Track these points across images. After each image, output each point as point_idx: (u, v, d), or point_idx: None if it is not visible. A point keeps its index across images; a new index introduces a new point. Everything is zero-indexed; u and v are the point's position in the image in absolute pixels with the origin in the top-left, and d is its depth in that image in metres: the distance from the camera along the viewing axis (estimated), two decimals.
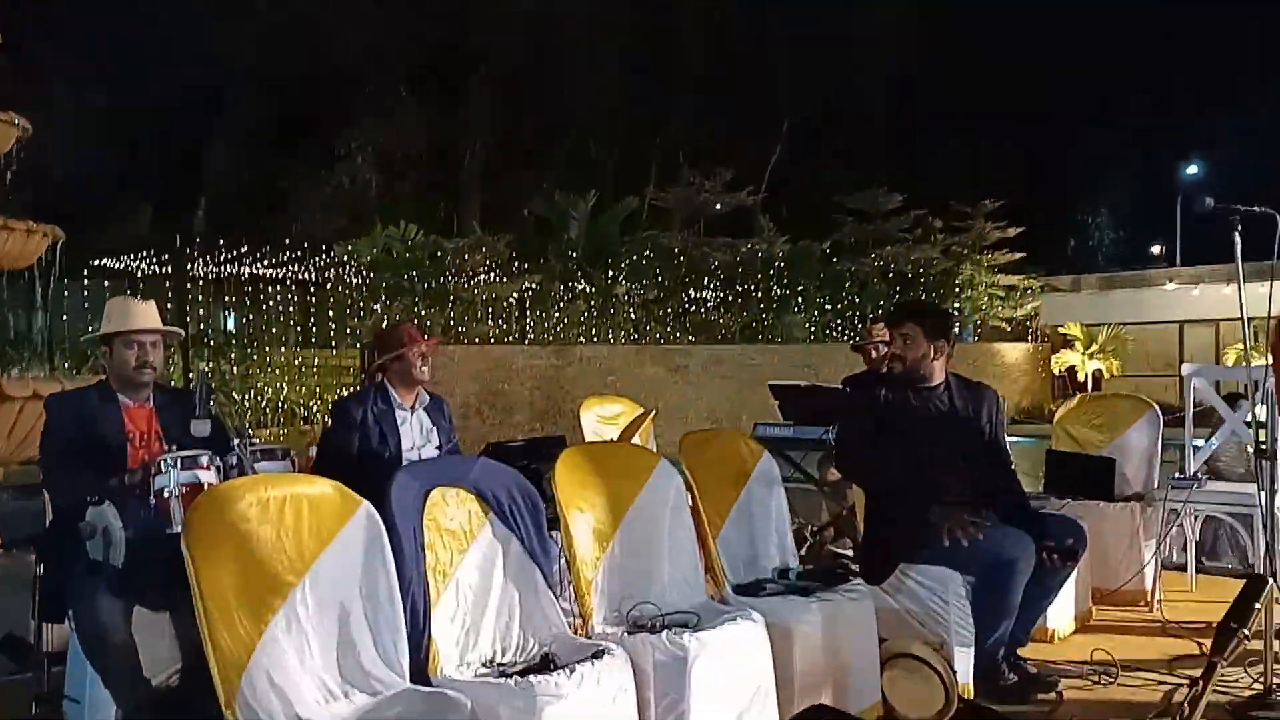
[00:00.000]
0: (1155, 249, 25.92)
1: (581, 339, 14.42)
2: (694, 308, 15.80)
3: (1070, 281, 21.89)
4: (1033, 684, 3.54)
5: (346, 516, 2.50)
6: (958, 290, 18.95)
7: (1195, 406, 5.03)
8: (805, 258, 16.92)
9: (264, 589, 2.32)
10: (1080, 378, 19.21)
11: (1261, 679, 3.36)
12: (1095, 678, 3.66)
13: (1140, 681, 3.67)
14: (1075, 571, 4.22)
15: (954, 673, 3.35)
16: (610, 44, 19.32)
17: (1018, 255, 19.87)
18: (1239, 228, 3.31)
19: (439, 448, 4.09)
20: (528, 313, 14.20)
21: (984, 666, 3.48)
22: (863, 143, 21.72)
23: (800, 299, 16.95)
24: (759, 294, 16.43)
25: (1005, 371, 19.63)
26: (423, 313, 12.43)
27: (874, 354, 5.80)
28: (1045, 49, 26.27)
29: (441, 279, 12.89)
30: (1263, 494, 3.55)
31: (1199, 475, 4.70)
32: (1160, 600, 4.60)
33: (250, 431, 4.35)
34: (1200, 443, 4.95)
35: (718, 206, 17.81)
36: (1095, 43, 27.21)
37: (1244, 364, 4.19)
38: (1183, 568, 4.95)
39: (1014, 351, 20.31)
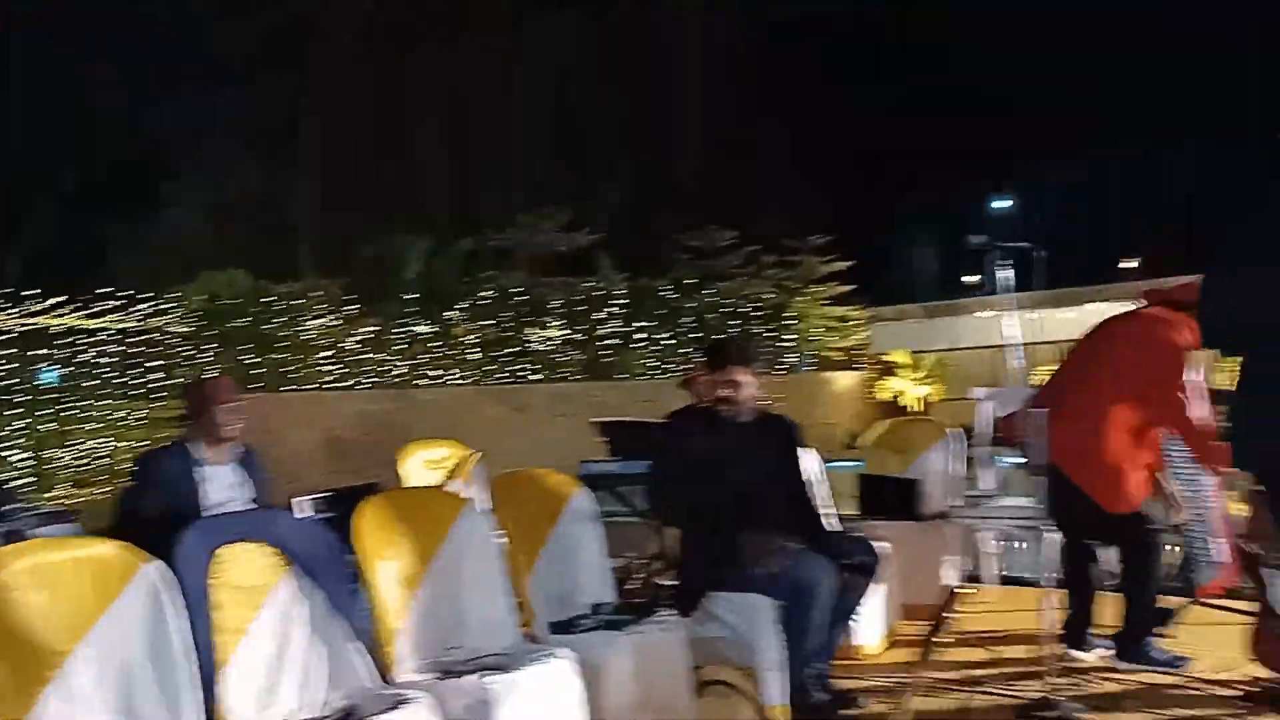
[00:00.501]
0: (970, 279, 27.61)
1: (421, 382, 14.22)
2: (536, 347, 15.83)
3: (896, 311, 23.05)
4: (841, 702, 3.70)
5: (129, 576, 2.41)
6: (789, 323, 19.66)
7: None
8: (645, 295, 17.23)
9: (34, 661, 2.20)
10: (903, 403, 20.20)
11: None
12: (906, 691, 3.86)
13: (941, 692, 3.90)
14: (884, 589, 4.48)
15: (766, 696, 3.48)
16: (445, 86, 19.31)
17: (846, 288, 20.82)
18: (998, 261, 3.60)
19: (254, 501, 3.99)
20: (365, 357, 13.90)
21: (795, 688, 3.63)
22: (698, 182, 22.37)
23: (642, 336, 17.23)
24: (601, 332, 16.62)
25: (837, 399, 20.44)
26: (250, 360, 12.00)
27: (698, 389, 6.00)
28: (871, 90, 27.72)
29: (270, 324, 12.50)
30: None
31: (992, 492, 5.04)
32: (959, 613, 4.90)
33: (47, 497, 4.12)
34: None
35: (562, 247, 17.98)
36: (916, 80, 28.89)
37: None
38: (995, 580, 5.31)
39: (845, 380, 21.18)
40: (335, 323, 13.50)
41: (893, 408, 21.26)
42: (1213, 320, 2.81)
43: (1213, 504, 4.17)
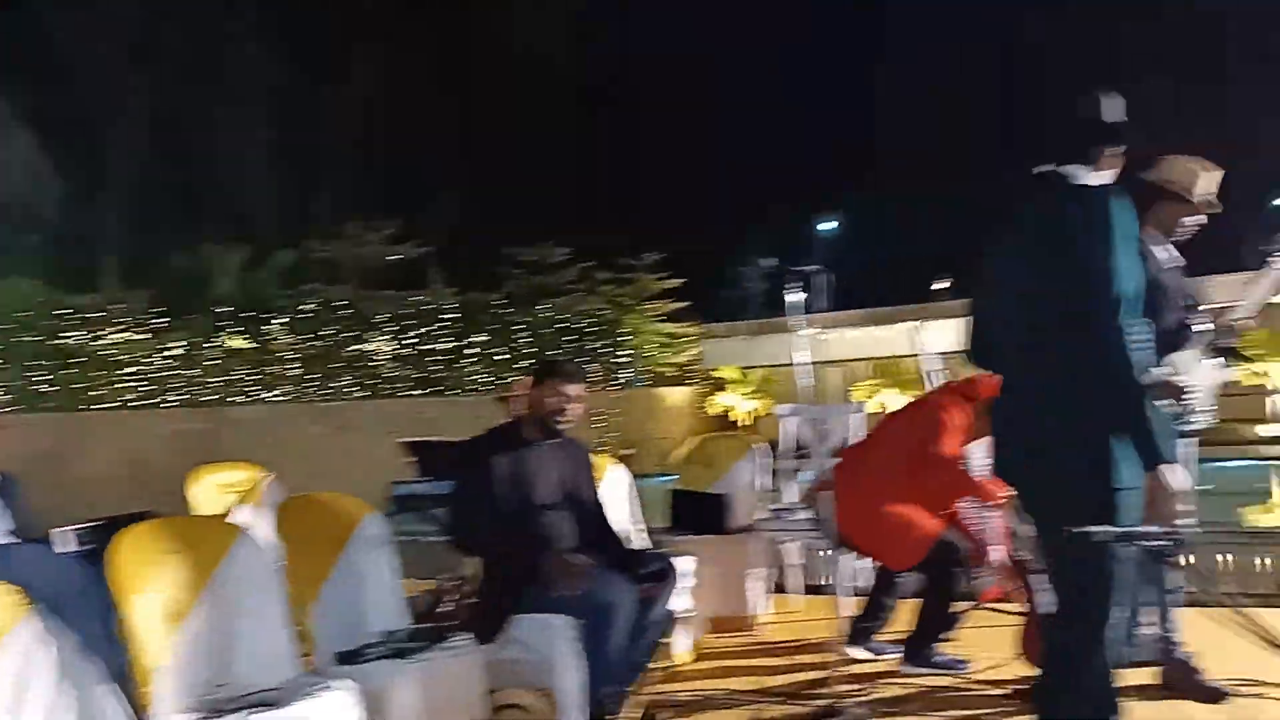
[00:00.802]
0: (795, 297, 28.58)
1: (236, 399, 13.55)
2: (362, 362, 15.38)
3: (726, 328, 23.66)
4: (648, 718, 3.71)
5: None
6: (624, 339, 19.87)
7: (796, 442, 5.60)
8: (477, 310, 17.05)
9: None
10: (734, 417, 20.72)
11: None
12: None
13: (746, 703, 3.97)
14: (690, 604, 4.53)
15: (564, 718, 3.45)
16: (264, 96, 18.56)
17: (679, 304, 21.23)
18: (788, 284, 3.72)
19: (12, 533, 3.68)
20: (175, 373, 13.14)
21: (595, 707, 3.61)
22: (535, 196, 22.38)
23: (475, 351, 17.01)
24: (431, 347, 16.31)
25: (669, 414, 20.79)
26: (40, 378, 11.13)
27: (516, 406, 5.94)
28: (703, 113, 28.47)
29: (65, 339, 11.64)
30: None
31: (792, 505, 5.20)
32: (768, 624, 5.04)
33: None
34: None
35: (399, 258, 17.57)
36: (747, 105, 29.87)
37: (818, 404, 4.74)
38: (801, 590, 5.47)
39: (677, 395, 21.56)
40: (140, 337, 12.70)
41: (724, 422, 21.80)
42: (974, 341, 2.98)
43: (993, 518, 4.43)
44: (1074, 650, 2.54)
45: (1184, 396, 3.53)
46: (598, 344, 19.13)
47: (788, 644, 4.76)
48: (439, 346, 16.29)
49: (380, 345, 15.83)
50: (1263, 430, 19.80)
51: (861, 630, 4.42)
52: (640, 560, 3.76)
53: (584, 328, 18.89)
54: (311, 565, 3.28)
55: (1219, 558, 5.03)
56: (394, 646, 3.27)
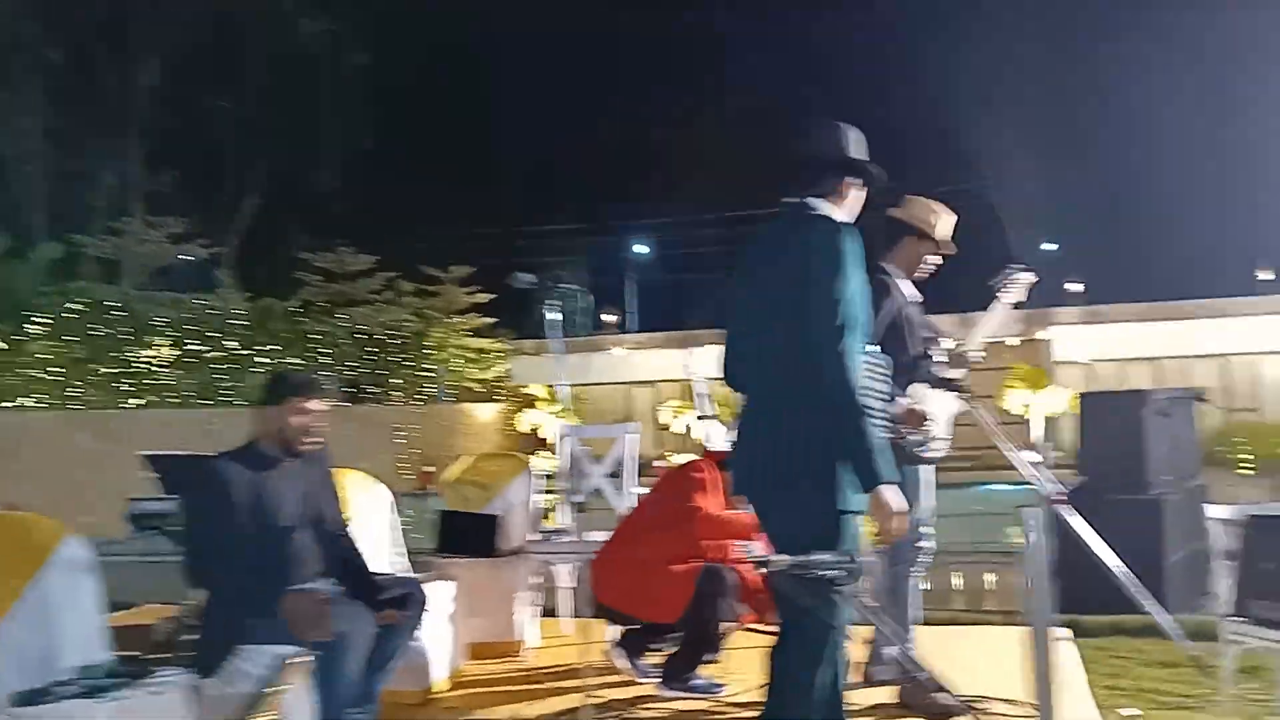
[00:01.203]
0: (609, 317, 28.91)
1: None
2: (138, 367, 14.27)
3: (535, 345, 23.52)
4: None
5: None
6: (429, 353, 19.38)
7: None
8: (269, 316, 16.18)
9: None
10: (542, 435, 20.56)
11: None
12: None
13: None
14: (449, 630, 4.35)
15: None
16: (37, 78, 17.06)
17: (489, 320, 20.90)
18: (547, 302, 3.63)
19: None
20: None
21: None
22: (337, 203, 21.55)
23: (265, 360, 16.12)
24: (216, 354, 15.33)
25: (478, 431, 20.40)
26: None
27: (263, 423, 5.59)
28: (523, 129, 28.28)
29: None
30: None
31: (568, 527, 5.10)
32: (535, 649, 4.91)
33: None
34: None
35: (186, 258, 16.45)
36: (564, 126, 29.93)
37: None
38: (571, 614, 5.36)
39: (485, 412, 21.20)
40: None
41: (533, 439, 21.59)
42: (725, 365, 2.97)
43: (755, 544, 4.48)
44: (795, 673, 2.54)
45: (925, 424, 3.67)
46: (401, 357, 18.57)
47: (552, 670, 4.65)
48: (225, 353, 15.34)
49: (163, 350, 14.75)
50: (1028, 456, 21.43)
51: (632, 643, 4.34)
52: (381, 586, 3.55)
53: (386, 339, 18.30)
54: None
55: (952, 578, 5.29)
56: (87, 685, 2.94)
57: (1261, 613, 4.62)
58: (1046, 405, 19.66)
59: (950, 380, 3.83)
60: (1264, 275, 26.24)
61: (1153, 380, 22.52)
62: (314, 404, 3.56)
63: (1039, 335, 23.47)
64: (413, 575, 3.80)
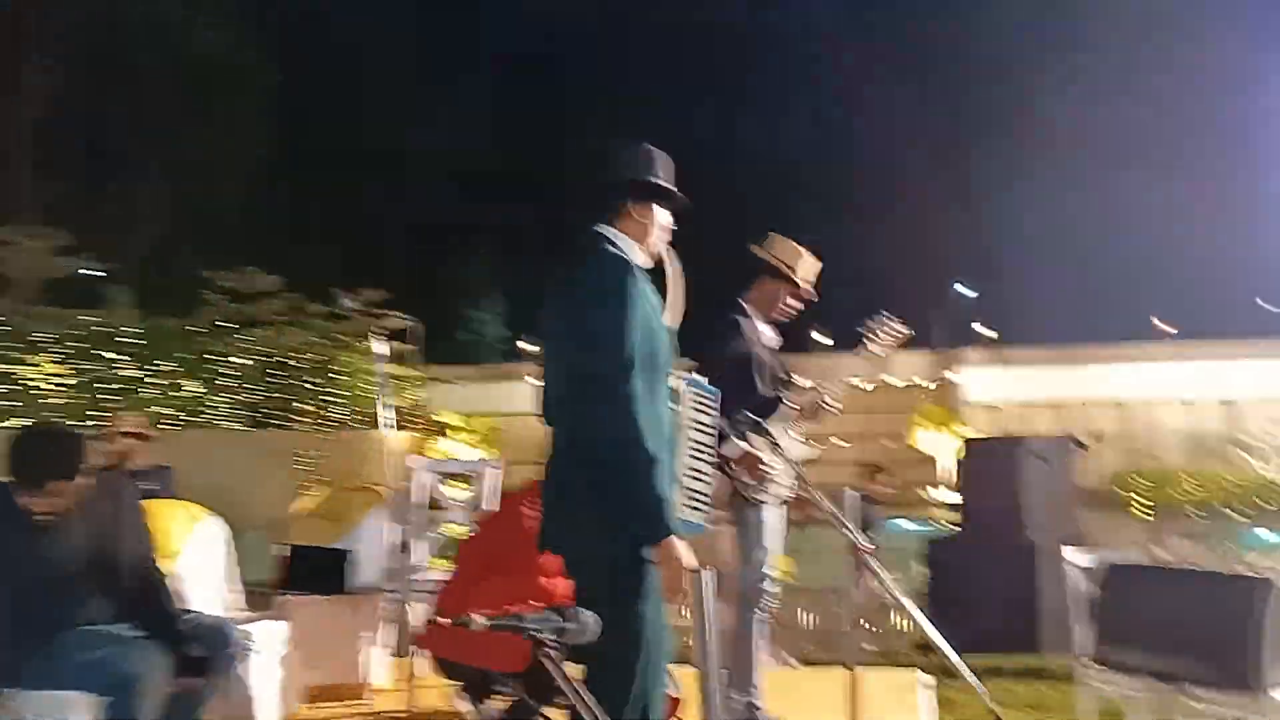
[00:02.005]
0: (525, 345, 28.64)
1: None
2: (17, 388, 13.61)
3: (451, 373, 23.19)
4: None
5: None
6: (339, 378, 18.90)
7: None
8: (166, 336, 15.62)
9: None
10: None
11: None
12: None
13: None
14: (280, 673, 4.11)
15: None
16: None
17: (404, 346, 20.45)
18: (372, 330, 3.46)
19: None
20: None
21: None
22: (240, 220, 20.99)
23: (160, 381, 15.55)
24: (105, 374, 14.71)
25: (387, 459, 19.95)
26: None
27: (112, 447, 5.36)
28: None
29: None
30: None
31: (422, 565, 4.91)
32: (381, 691, 4.69)
33: None
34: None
35: (80, 272, 15.80)
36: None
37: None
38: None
39: (396, 439, 20.75)
40: None
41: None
42: (541, 399, 2.84)
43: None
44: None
45: (761, 467, 3.59)
46: (310, 380, 18.07)
47: (397, 714, 4.43)
48: (116, 373, 14.72)
49: (45, 368, 14.11)
50: (934, 493, 21.98)
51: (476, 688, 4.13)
52: (184, 626, 3.32)
53: (291, 362, 17.79)
54: None
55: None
56: None
57: (1116, 658, 4.66)
58: (951, 446, 20.06)
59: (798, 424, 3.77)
60: (1163, 325, 27.10)
61: (1056, 423, 23.09)
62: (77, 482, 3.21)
63: (949, 376, 23.94)
64: (225, 615, 3.57)
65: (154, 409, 15.32)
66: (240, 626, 3.66)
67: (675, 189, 2.70)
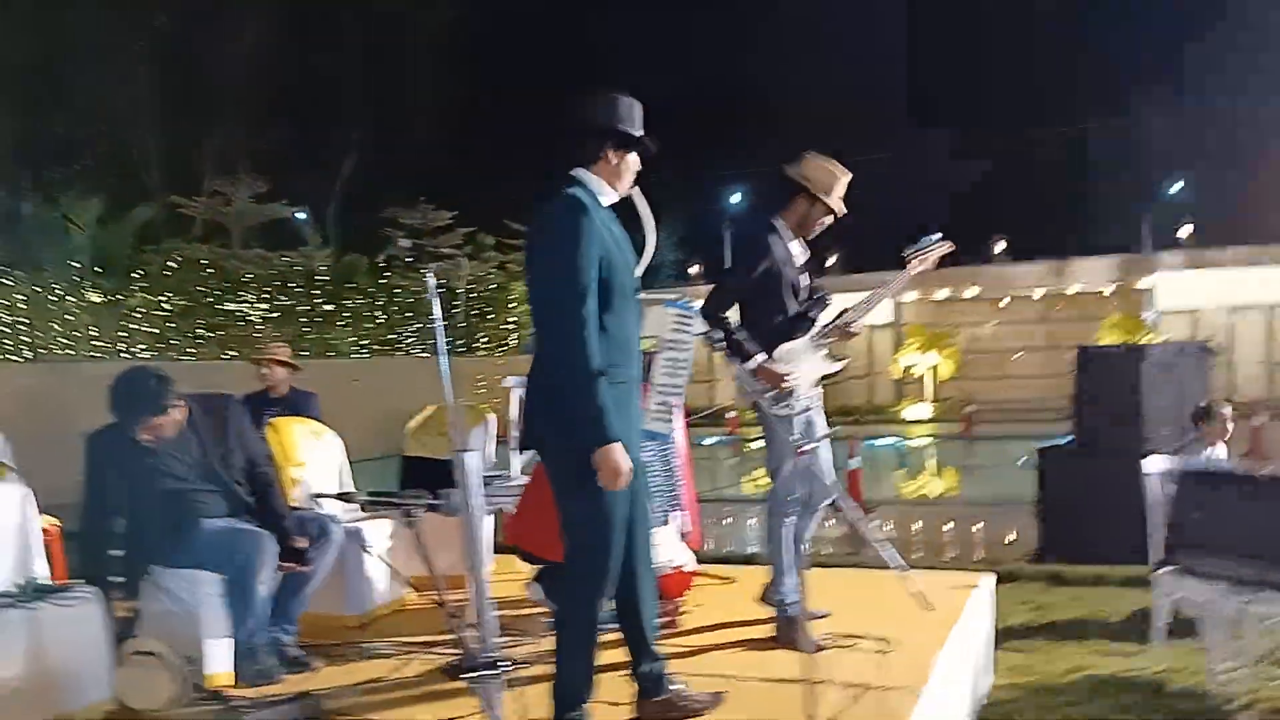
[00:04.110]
0: (694, 269, 29.01)
1: (91, 355, 13.44)
2: (228, 321, 15.30)
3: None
4: (287, 665, 3.94)
5: None
6: (511, 305, 19.96)
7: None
8: (352, 272, 17.02)
9: None
10: None
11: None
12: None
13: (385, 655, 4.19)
14: (384, 566, 4.76)
15: (207, 665, 3.68)
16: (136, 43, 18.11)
17: None
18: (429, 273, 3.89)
19: None
20: (21, 326, 12.97)
21: (243, 654, 3.84)
22: (422, 160, 22.24)
23: (349, 314, 16.99)
24: (304, 309, 16.25)
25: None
26: None
27: (264, 372, 6.11)
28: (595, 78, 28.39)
29: None
30: None
31: (512, 474, 5.44)
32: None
33: None
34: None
35: (277, 217, 17.39)
36: (646, 77, 29.88)
37: None
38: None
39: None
40: None
41: None
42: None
43: None
44: (565, 607, 2.85)
45: (784, 383, 3.82)
46: (483, 310, 19.22)
47: (497, 600, 5.00)
48: (312, 308, 16.24)
49: (251, 305, 15.75)
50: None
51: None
52: (291, 521, 3.98)
53: (467, 293, 18.96)
54: None
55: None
56: (16, 598, 3.47)
57: (1192, 565, 4.66)
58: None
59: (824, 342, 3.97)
60: None
61: (1266, 331, 21.37)
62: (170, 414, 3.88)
63: (1140, 285, 22.46)
64: (326, 513, 4.22)
65: (346, 341, 16.82)
66: (350, 525, 4.35)
67: (647, 139, 2.99)
